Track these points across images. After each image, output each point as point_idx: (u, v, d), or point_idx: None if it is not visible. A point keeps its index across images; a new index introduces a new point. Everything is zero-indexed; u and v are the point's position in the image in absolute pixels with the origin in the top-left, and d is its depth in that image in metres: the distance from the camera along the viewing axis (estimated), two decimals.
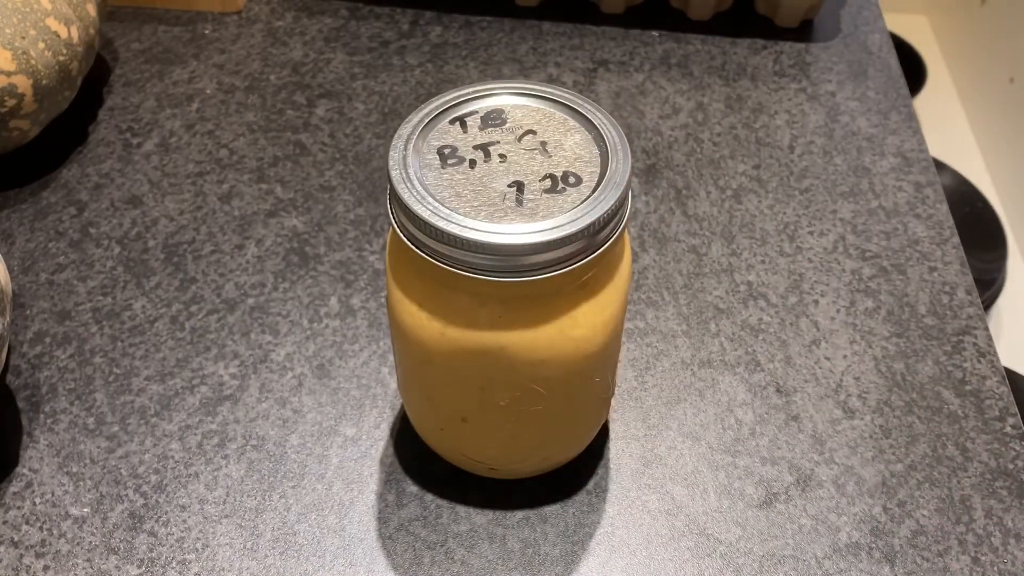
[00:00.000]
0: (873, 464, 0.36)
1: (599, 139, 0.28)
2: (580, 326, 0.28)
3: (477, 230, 0.25)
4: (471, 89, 0.29)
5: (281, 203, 0.47)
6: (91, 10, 0.48)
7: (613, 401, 0.38)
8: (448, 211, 0.26)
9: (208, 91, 0.53)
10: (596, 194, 0.26)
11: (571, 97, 0.29)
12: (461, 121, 0.29)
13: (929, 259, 0.44)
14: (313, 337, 0.41)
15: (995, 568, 0.34)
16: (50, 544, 0.34)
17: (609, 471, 0.36)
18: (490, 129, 0.28)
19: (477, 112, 0.29)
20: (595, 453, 0.37)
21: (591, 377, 0.31)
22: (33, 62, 0.43)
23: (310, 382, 0.39)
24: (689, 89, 0.53)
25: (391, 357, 0.40)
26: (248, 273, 0.43)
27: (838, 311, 0.42)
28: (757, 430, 0.38)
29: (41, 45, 0.44)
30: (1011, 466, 0.36)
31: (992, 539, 0.34)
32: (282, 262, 0.44)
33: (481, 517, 0.35)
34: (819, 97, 0.53)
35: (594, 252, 0.27)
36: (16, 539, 0.34)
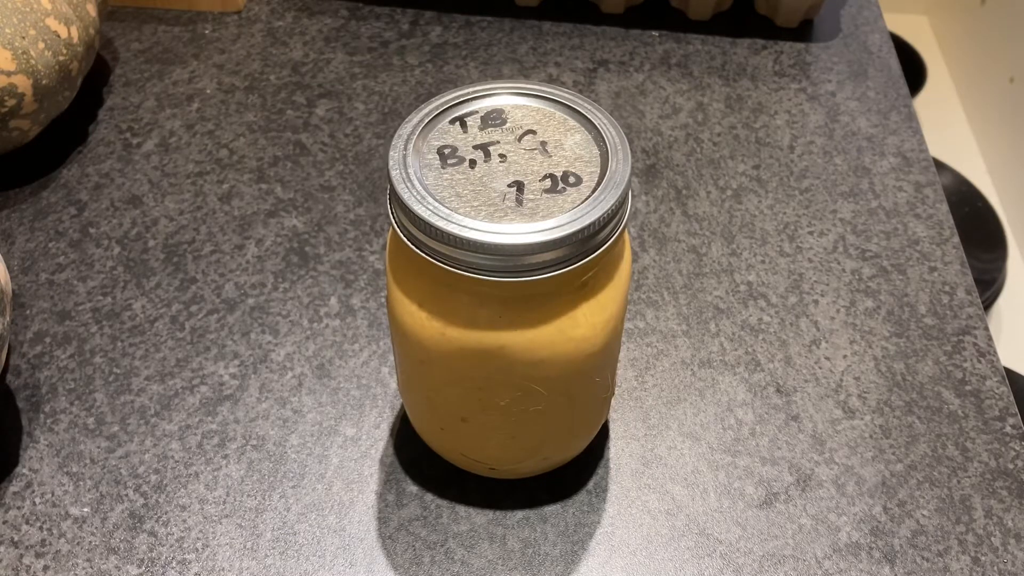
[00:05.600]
0: (873, 464, 0.36)
1: (599, 139, 0.28)
2: (580, 326, 0.28)
3: (477, 230, 0.25)
4: (471, 89, 0.29)
5: (281, 203, 0.47)
6: (91, 10, 0.48)
7: (613, 401, 0.38)
8: (448, 211, 0.26)
9: (208, 91, 0.53)
10: (596, 194, 0.26)
11: (571, 97, 0.29)
12: (461, 121, 0.29)
13: (929, 259, 0.44)
14: (313, 337, 0.41)
15: (995, 568, 0.34)
16: (50, 544, 0.34)
17: (609, 471, 0.36)
18: (490, 129, 0.28)
19: (477, 112, 0.29)
20: (595, 453, 0.37)
21: (591, 377, 0.31)
22: (33, 62, 0.43)
23: (310, 382, 0.39)
24: (689, 89, 0.53)
25: (391, 357, 0.40)
26: (248, 273, 0.43)
27: (838, 311, 0.42)
28: (757, 430, 0.38)
29: (41, 45, 0.44)
30: (1011, 466, 0.36)
31: (992, 539, 0.34)
32: (282, 262, 0.44)
33: (481, 517, 0.35)
34: (819, 97, 0.53)
35: (594, 252, 0.27)
36: (16, 539, 0.34)
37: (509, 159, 0.28)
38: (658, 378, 0.39)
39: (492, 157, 0.28)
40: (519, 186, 0.27)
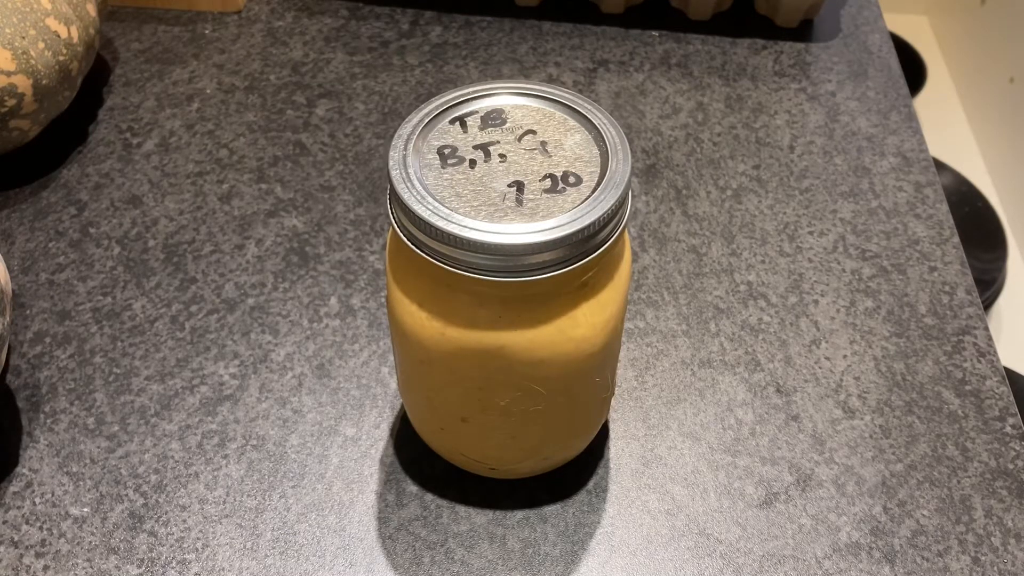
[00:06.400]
0: (873, 464, 0.36)
1: (599, 139, 0.28)
2: (580, 326, 0.28)
3: (477, 230, 0.25)
4: (471, 89, 0.29)
5: (281, 203, 0.47)
6: (91, 10, 0.48)
7: (613, 401, 0.38)
8: (448, 211, 0.26)
9: (208, 91, 0.53)
10: (596, 194, 0.26)
11: (571, 97, 0.29)
12: (461, 121, 0.29)
13: (929, 259, 0.44)
14: (313, 337, 0.41)
15: (995, 568, 0.34)
16: (50, 544, 0.34)
17: (609, 471, 0.36)
18: (490, 129, 0.28)
19: (477, 112, 0.29)
20: (595, 453, 0.37)
21: (591, 377, 0.31)
22: (33, 62, 0.43)
23: (310, 382, 0.39)
24: (689, 89, 0.53)
25: (391, 357, 0.40)
26: (248, 273, 0.43)
27: (838, 311, 0.42)
28: (757, 430, 0.38)
29: (41, 45, 0.44)
30: (1011, 466, 0.36)
31: (992, 539, 0.34)
32: (282, 262, 0.44)
33: (481, 517, 0.35)
34: (819, 97, 0.53)
35: (594, 252, 0.27)
36: (16, 539, 0.34)
37: (509, 159, 0.28)
38: (658, 378, 0.39)
39: (492, 157, 0.28)
40: (519, 186, 0.27)
